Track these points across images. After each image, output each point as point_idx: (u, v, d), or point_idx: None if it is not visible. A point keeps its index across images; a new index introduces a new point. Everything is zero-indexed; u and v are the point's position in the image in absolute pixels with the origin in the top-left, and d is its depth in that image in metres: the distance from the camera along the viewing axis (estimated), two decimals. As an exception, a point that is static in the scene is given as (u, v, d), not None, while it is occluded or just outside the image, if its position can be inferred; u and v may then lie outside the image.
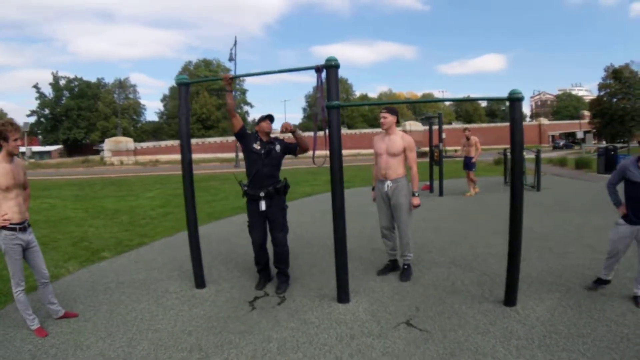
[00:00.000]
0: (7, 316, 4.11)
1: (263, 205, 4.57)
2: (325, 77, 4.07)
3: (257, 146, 4.58)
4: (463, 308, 4.10)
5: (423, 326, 3.75)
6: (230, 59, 31.98)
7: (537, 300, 4.21)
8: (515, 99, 3.93)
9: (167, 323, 3.93)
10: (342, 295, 4.31)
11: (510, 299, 4.12)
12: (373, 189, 5.25)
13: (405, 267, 5.08)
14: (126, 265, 5.83)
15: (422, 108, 68.34)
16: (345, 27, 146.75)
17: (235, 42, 32.28)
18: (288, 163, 5.71)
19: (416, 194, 4.88)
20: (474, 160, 12.07)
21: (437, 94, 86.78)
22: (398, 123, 5.07)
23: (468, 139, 12.20)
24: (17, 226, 3.62)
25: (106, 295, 4.67)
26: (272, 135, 4.75)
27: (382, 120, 4.95)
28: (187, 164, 4.64)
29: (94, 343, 3.57)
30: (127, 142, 39.29)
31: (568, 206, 9.65)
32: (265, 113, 4.72)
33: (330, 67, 3.99)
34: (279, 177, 4.72)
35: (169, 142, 43.61)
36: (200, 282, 4.83)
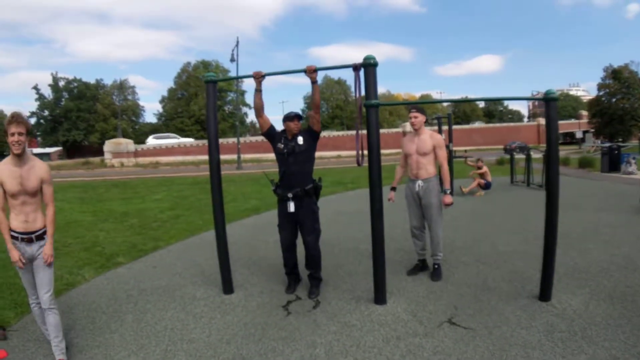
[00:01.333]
0: (25, 329, 3.88)
1: (292, 207, 4.42)
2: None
3: (280, 145, 4.43)
4: (500, 305, 4.11)
5: (466, 324, 3.72)
6: (232, 60, 31.61)
7: (570, 295, 4.27)
8: (551, 99, 3.97)
9: (201, 332, 3.76)
10: (380, 297, 4.22)
11: (545, 294, 4.17)
12: (392, 189, 5.14)
13: (436, 266, 5.03)
14: (145, 270, 5.66)
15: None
16: (341, 28, 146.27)
17: (237, 42, 31.97)
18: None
19: (448, 192, 4.80)
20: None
21: (435, 95, 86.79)
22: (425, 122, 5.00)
23: (480, 168, 12.44)
24: (20, 236, 3.19)
25: (129, 303, 4.49)
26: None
27: (412, 120, 4.91)
28: (215, 164, 4.50)
29: (125, 357, 3.38)
30: (128, 144, 38.84)
31: (579, 204, 9.61)
32: (293, 111, 4.51)
33: (369, 65, 3.87)
34: (311, 176, 4.52)
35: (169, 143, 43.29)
36: (228, 288, 4.68)
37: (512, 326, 3.64)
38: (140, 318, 4.11)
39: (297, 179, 4.40)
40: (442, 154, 4.86)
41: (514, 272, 5.02)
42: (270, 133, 4.55)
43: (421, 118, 4.88)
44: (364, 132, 4.02)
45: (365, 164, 4.09)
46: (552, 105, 3.99)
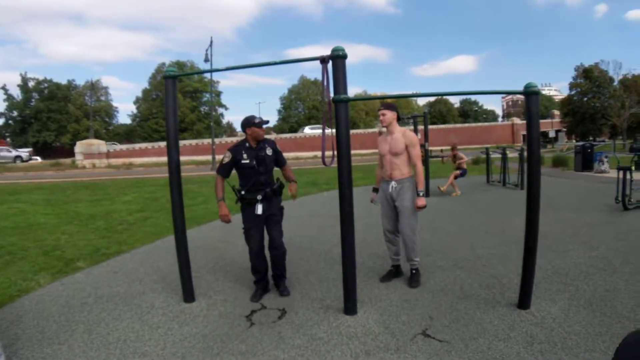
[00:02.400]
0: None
1: (259, 209, 4.27)
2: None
3: (246, 160, 4.25)
4: (478, 314, 3.90)
5: (441, 336, 3.49)
6: (206, 60, 31.17)
7: (550, 302, 4.10)
8: (531, 93, 3.72)
9: (155, 344, 3.47)
10: (350, 307, 3.95)
11: (524, 301, 3.97)
12: (374, 190, 4.96)
13: (413, 271, 4.78)
14: (104, 276, 5.32)
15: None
16: (318, 30, 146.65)
17: (211, 42, 31.50)
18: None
19: (421, 194, 4.54)
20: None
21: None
22: (399, 120, 4.75)
23: (455, 156, 12.65)
24: None
25: (83, 312, 4.17)
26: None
27: (380, 117, 4.68)
28: (174, 165, 4.21)
29: (71, 371, 3.08)
30: (100, 145, 38.09)
31: (555, 204, 9.60)
32: (253, 115, 4.39)
33: (338, 57, 3.61)
34: (273, 179, 4.47)
35: (143, 145, 42.49)
36: (189, 296, 4.38)
37: (490, 338, 3.44)
38: (92, 328, 3.80)
39: (265, 184, 4.35)
40: (416, 153, 4.59)
41: (493, 277, 4.84)
42: (232, 166, 4.40)
43: (390, 115, 4.62)
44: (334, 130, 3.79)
45: (334, 164, 3.85)
46: (533, 100, 3.70)
